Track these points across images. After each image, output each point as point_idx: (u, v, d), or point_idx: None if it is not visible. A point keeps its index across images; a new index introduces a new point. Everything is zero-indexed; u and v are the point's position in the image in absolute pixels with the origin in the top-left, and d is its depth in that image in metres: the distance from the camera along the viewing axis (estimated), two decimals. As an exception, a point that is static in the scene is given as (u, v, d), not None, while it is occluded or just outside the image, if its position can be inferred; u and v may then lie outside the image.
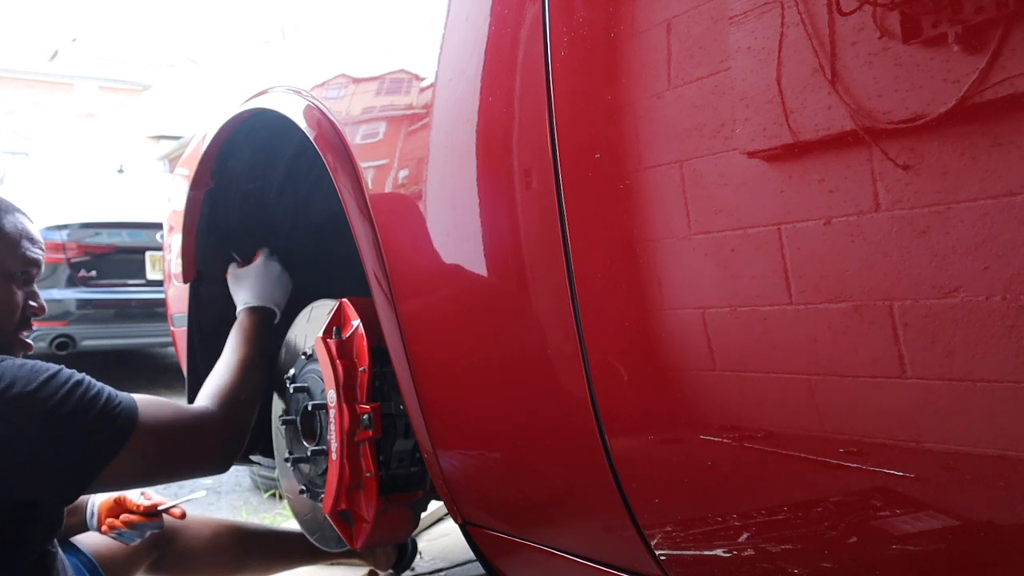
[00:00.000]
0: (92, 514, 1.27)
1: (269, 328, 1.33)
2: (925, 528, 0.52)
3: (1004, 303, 0.44)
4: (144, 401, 1.03)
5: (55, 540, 1.08)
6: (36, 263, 1.08)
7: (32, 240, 1.08)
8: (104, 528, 1.25)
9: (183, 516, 1.30)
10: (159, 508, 1.26)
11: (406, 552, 1.66)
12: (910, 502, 0.52)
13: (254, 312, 1.33)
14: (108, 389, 1.00)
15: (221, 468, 1.13)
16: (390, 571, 1.66)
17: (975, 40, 0.44)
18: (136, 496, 1.27)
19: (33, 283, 1.10)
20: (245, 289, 1.36)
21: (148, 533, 1.28)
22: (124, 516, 1.25)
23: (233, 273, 1.40)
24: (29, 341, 1.09)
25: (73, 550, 1.26)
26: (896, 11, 0.47)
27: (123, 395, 1.01)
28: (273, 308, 1.35)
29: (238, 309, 1.35)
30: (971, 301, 0.46)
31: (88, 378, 0.99)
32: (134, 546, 1.33)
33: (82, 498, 1.29)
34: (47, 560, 1.04)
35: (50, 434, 0.93)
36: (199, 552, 1.43)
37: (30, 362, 0.95)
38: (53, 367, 0.96)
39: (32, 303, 1.09)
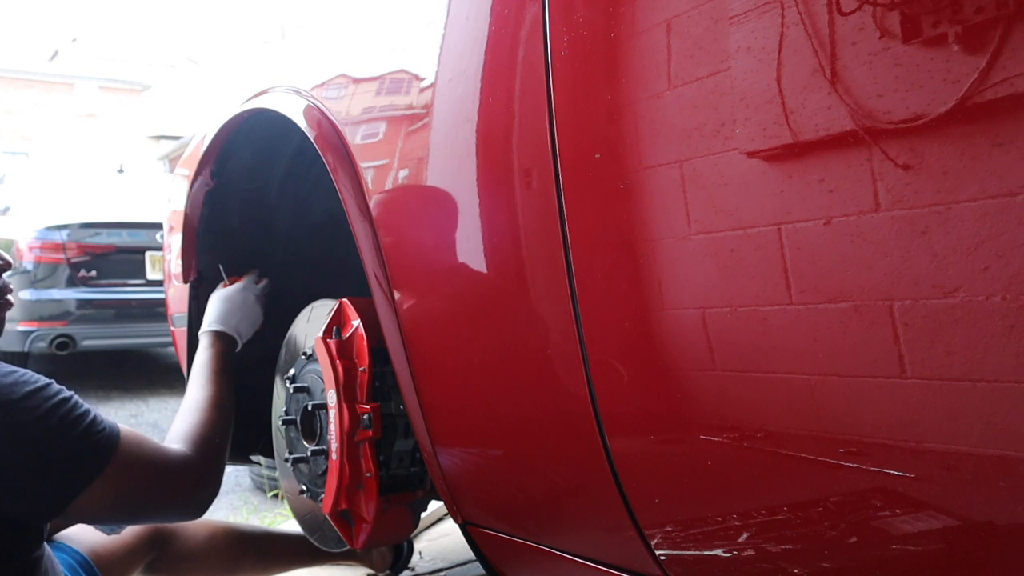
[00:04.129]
0: None
1: (233, 356, 1.33)
2: (925, 528, 0.52)
3: (1004, 303, 0.44)
4: (127, 432, 1.00)
5: (43, 543, 1.07)
6: None
7: None
8: None
9: None
10: None
11: (402, 553, 1.66)
12: (910, 502, 0.52)
13: (219, 339, 1.32)
14: (95, 412, 0.97)
15: (197, 512, 1.10)
16: (387, 572, 1.66)
17: (975, 40, 0.44)
18: None
19: None
20: (213, 310, 1.36)
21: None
22: None
23: (215, 293, 1.41)
24: (9, 299, 1.06)
25: (68, 549, 1.26)
26: (896, 11, 0.47)
27: (108, 422, 0.98)
28: (235, 336, 1.35)
29: (202, 330, 1.34)
30: (971, 301, 0.46)
31: (76, 397, 0.96)
32: (130, 546, 1.33)
33: None
34: (33, 562, 1.02)
35: (29, 447, 0.89)
36: (195, 553, 1.43)
37: (19, 371, 0.92)
38: (43, 380, 0.93)
39: None
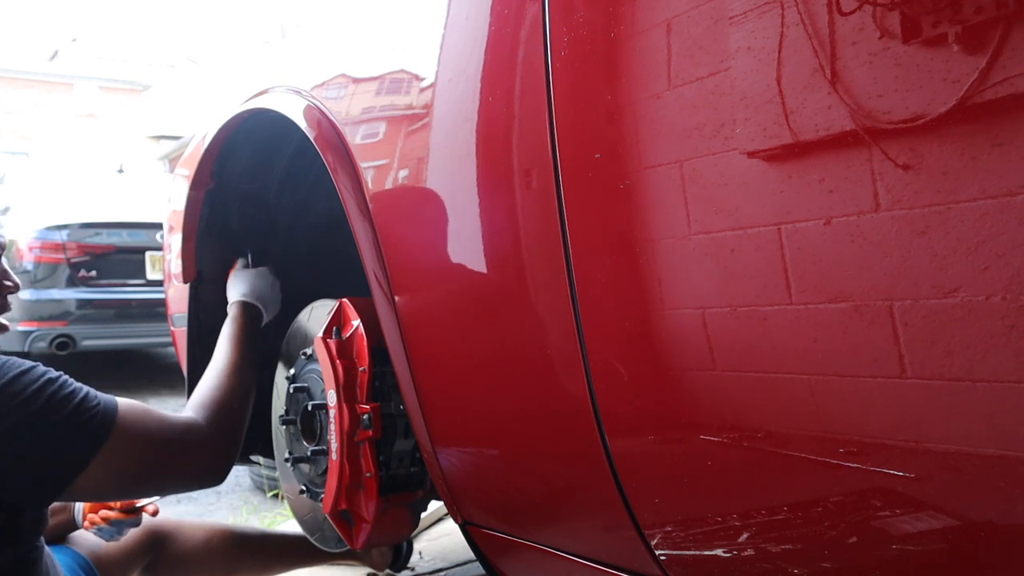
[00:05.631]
0: (78, 510, 1.28)
1: (258, 327, 1.33)
2: (925, 528, 0.52)
3: (1004, 303, 0.44)
4: (127, 405, 0.97)
5: (41, 538, 1.07)
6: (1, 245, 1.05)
7: None
8: (86, 524, 1.26)
9: (156, 513, 1.29)
10: (136, 505, 1.27)
11: (402, 553, 1.66)
12: (910, 502, 0.52)
13: (247, 308, 1.33)
14: (87, 389, 0.94)
15: (214, 481, 1.08)
16: (387, 571, 1.66)
17: (975, 40, 0.44)
18: None
19: (1, 260, 1.05)
20: (245, 283, 1.37)
21: (126, 530, 1.27)
22: (103, 512, 1.24)
23: (238, 270, 1.41)
24: (4, 322, 1.06)
25: (69, 551, 1.26)
26: (896, 11, 0.47)
27: (104, 397, 0.95)
28: (262, 308, 1.36)
29: (231, 301, 1.35)
30: (971, 301, 0.46)
31: (65, 376, 0.93)
32: (128, 548, 1.34)
33: None
34: (31, 559, 1.02)
35: (19, 432, 0.87)
36: (192, 555, 1.43)
37: (1, 358, 0.90)
38: (27, 363, 0.91)
39: (6, 282, 1.06)
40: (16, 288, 1.07)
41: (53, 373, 0.92)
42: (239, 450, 1.13)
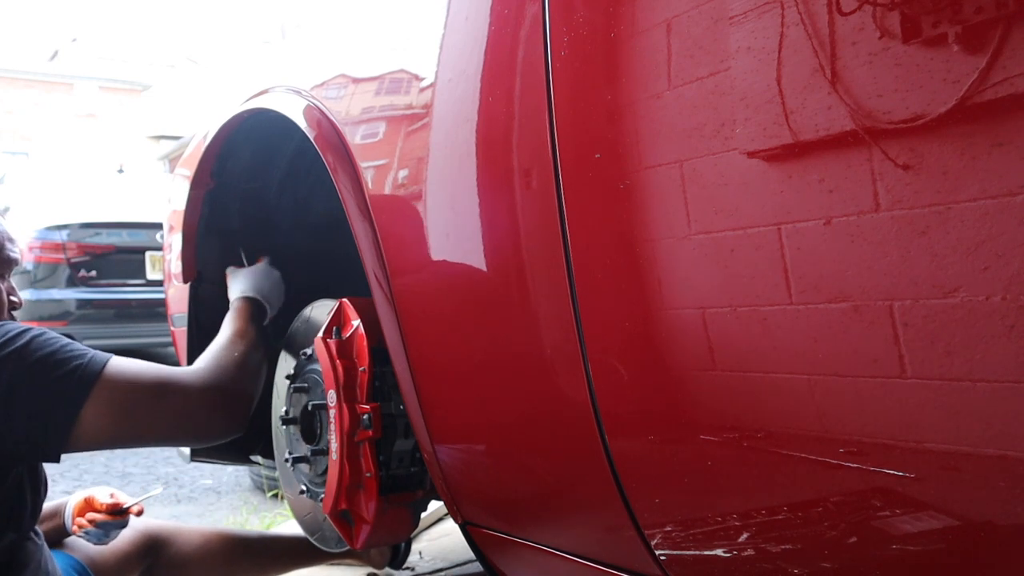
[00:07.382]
0: (67, 515, 1.28)
1: (263, 319, 1.32)
2: (925, 528, 0.52)
3: (1004, 303, 0.44)
4: (118, 357, 1.02)
5: (39, 533, 1.08)
6: (17, 262, 1.14)
7: (12, 240, 1.14)
8: (74, 528, 1.26)
9: (140, 513, 1.29)
10: (123, 507, 1.27)
11: (400, 550, 1.67)
12: (910, 502, 0.52)
13: (249, 301, 1.31)
14: (72, 341, 0.99)
15: (212, 432, 1.07)
16: (387, 571, 1.66)
17: (975, 40, 0.44)
18: (103, 496, 1.28)
19: (9, 278, 1.13)
20: (244, 281, 1.35)
21: (114, 533, 1.28)
22: (89, 515, 1.25)
23: (233, 271, 1.40)
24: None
25: (63, 555, 1.27)
26: (896, 11, 0.47)
27: (95, 351, 1.00)
28: (266, 304, 1.34)
29: (232, 299, 1.34)
30: (971, 301, 0.46)
31: (47, 330, 0.99)
32: (125, 553, 1.34)
33: (60, 501, 1.31)
34: (24, 548, 1.03)
35: (18, 378, 0.92)
36: (189, 559, 1.43)
37: None
38: (18, 326, 0.98)
39: (13, 298, 1.13)
40: (20, 305, 1.14)
41: (28, 326, 0.98)
42: (243, 409, 1.12)
